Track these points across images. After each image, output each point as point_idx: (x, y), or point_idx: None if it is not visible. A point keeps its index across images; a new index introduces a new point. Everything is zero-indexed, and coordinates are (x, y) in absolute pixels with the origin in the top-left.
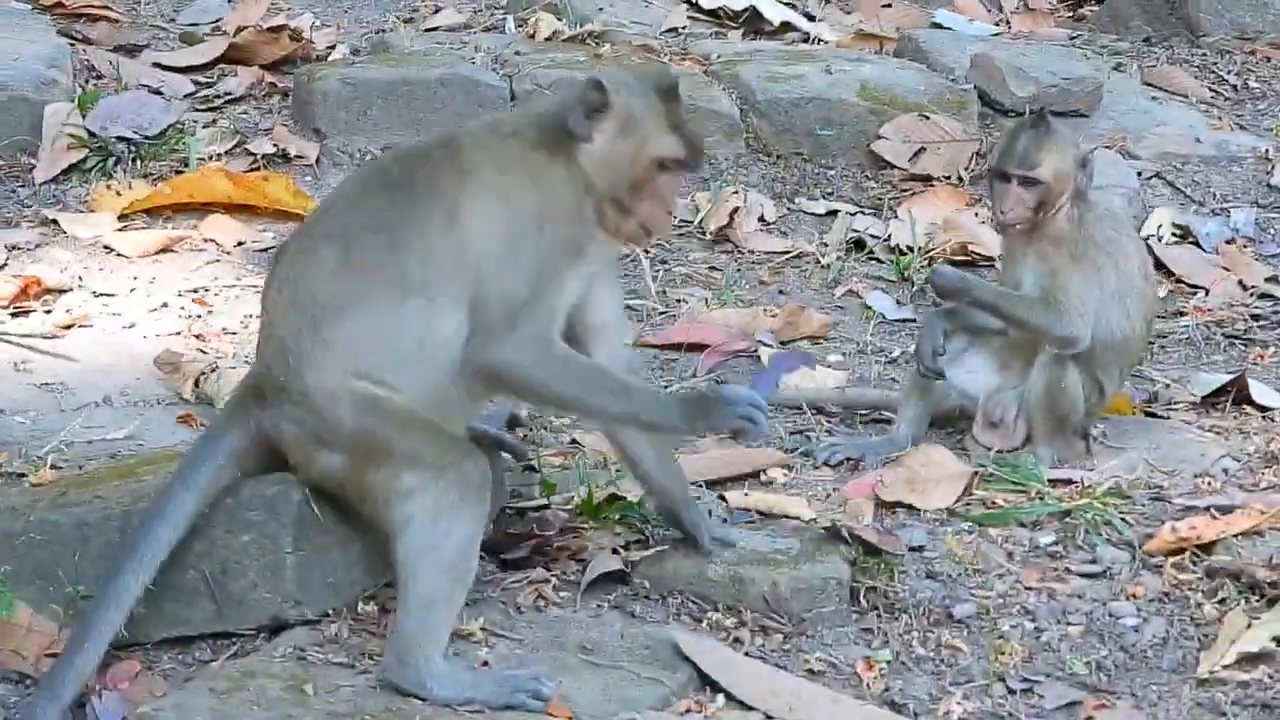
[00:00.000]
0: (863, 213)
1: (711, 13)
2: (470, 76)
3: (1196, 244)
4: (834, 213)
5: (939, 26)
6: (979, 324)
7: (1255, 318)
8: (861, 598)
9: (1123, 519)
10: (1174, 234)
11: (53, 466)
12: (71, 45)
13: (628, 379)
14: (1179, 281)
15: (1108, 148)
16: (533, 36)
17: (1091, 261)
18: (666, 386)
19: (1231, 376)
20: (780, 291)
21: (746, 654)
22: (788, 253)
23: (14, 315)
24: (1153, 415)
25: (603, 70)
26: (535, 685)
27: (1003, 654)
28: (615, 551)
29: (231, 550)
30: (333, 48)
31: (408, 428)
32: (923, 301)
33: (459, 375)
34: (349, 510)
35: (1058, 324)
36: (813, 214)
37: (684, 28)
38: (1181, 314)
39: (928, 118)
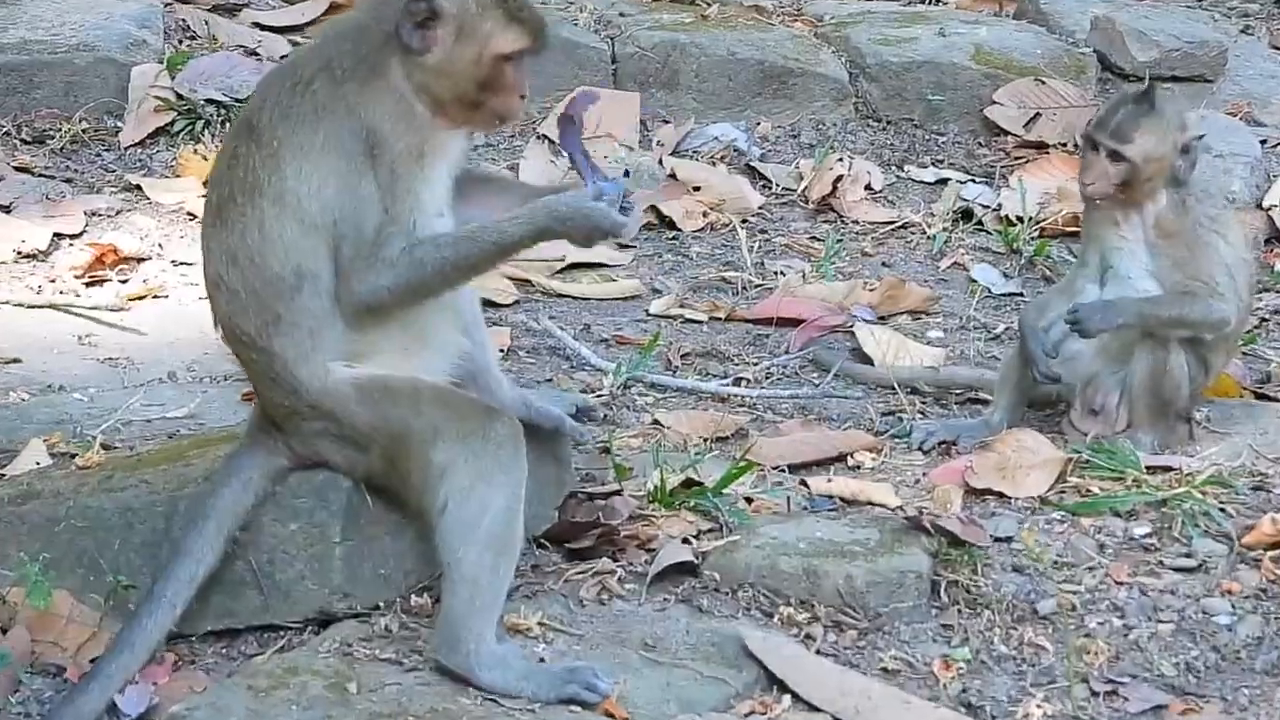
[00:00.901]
0: (974, 181)
1: None
2: (571, 39)
3: None
4: (944, 181)
5: None
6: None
7: None
8: (943, 592)
9: (1222, 509)
10: None
11: (105, 447)
12: (167, 5)
13: (495, 226)
14: None
15: (1231, 114)
16: None
17: (1206, 242)
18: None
19: None
20: (883, 264)
21: (818, 651)
22: (893, 223)
23: (88, 285)
24: (1264, 397)
25: None
26: (591, 678)
27: (1088, 653)
28: (686, 541)
29: (279, 539)
30: None
31: (419, 401)
32: (1030, 274)
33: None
34: (401, 498)
35: (1210, 311)
36: (922, 182)
37: None
38: None
39: (1044, 82)
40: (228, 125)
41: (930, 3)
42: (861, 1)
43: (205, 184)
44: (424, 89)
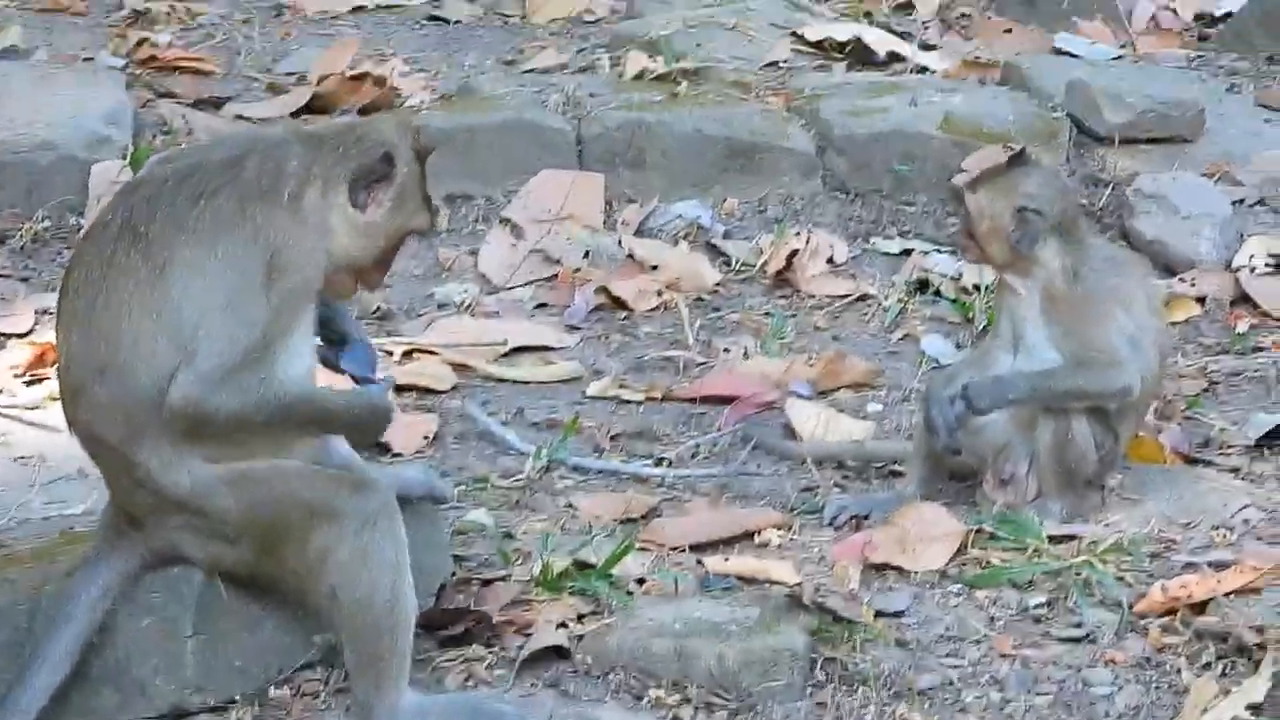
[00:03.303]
0: (939, 250)
1: (817, 45)
2: (535, 121)
3: None
4: (909, 251)
5: (1060, 52)
6: None
7: None
8: (819, 670)
9: (1119, 578)
10: (1268, 264)
11: None
12: (149, 101)
13: (333, 397)
14: (1264, 315)
15: (1208, 175)
16: (622, 75)
17: (1103, 312)
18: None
19: None
20: (834, 337)
21: None
22: (849, 295)
23: (28, 384)
24: (1196, 462)
25: (382, 129)
26: (498, 709)
27: None
28: (563, 625)
29: (132, 635)
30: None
31: (288, 483)
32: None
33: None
34: (260, 588)
35: (1107, 381)
36: (886, 254)
37: (786, 61)
38: (1259, 350)
39: (1012, 149)
40: None
41: (918, 72)
42: (852, 73)
43: (66, 281)
44: (337, 239)
